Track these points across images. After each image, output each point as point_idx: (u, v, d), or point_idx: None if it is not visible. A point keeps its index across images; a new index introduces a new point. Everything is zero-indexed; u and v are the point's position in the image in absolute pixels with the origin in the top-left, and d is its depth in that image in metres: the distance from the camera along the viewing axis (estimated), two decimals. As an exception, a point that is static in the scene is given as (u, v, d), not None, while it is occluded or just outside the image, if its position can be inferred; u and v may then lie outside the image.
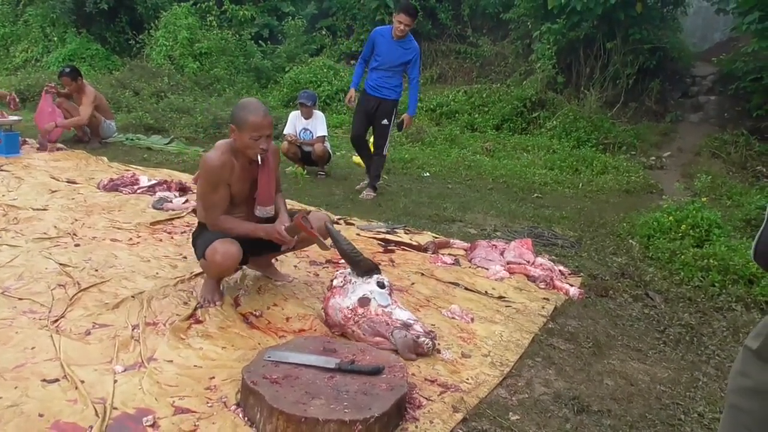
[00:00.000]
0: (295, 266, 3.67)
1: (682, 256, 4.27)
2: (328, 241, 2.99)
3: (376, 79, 5.61)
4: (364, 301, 2.73)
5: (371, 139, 6.03)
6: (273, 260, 3.46)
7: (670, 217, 4.81)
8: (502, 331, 3.03)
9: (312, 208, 5.07)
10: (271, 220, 3.02)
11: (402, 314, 2.73)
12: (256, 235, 2.93)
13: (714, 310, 3.64)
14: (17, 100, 6.51)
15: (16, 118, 6.29)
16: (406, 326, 2.67)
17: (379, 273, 2.90)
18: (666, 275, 4.15)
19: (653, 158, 8.91)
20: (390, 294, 2.83)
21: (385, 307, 2.73)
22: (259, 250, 3.11)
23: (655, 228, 4.84)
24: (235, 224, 2.92)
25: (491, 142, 9.36)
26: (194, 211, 3.21)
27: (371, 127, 5.87)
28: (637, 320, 3.43)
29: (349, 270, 2.94)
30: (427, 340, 2.68)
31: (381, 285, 2.81)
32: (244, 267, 3.29)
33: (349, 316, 2.73)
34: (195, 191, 3.35)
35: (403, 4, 5.61)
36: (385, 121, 5.66)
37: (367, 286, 2.79)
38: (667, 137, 9.63)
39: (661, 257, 4.42)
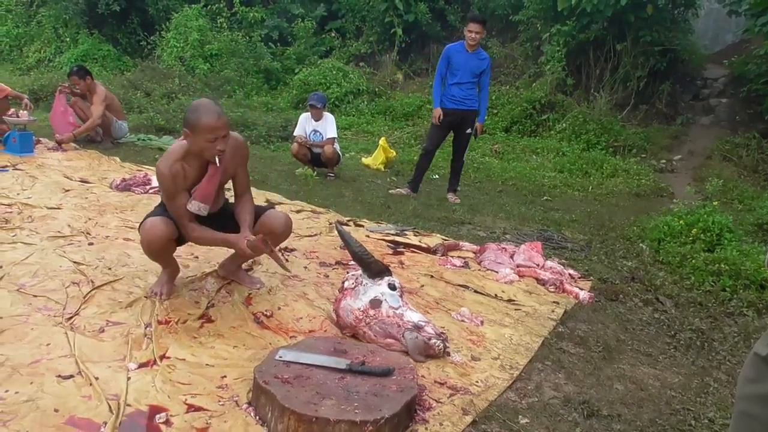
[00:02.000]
0: (305, 267, 3.69)
1: (693, 261, 4.26)
2: (289, 264, 2.99)
3: (459, 93, 5.82)
4: (375, 303, 2.75)
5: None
6: (244, 265, 3.38)
7: (681, 221, 4.80)
8: (511, 335, 3.04)
9: (321, 209, 5.09)
10: (219, 214, 2.98)
11: (413, 316, 2.75)
12: (222, 245, 2.94)
13: (725, 315, 3.63)
14: (31, 106, 6.57)
15: (31, 118, 6.35)
16: (418, 328, 2.68)
17: (390, 275, 2.91)
18: (676, 280, 4.14)
19: (664, 161, 8.87)
20: (401, 296, 2.84)
21: (396, 308, 2.75)
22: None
23: (665, 232, 4.82)
24: (202, 233, 2.86)
25: (500, 144, 9.36)
26: None
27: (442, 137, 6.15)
28: (647, 325, 3.42)
29: (359, 272, 2.95)
30: (439, 341, 2.69)
31: (392, 287, 2.82)
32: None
33: (361, 317, 2.75)
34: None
35: (472, 14, 6.32)
36: (468, 131, 5.96)
37: (378, 288, 2.81)
38: (677, 140, 9.59)
39: (672, 261, 4.41)
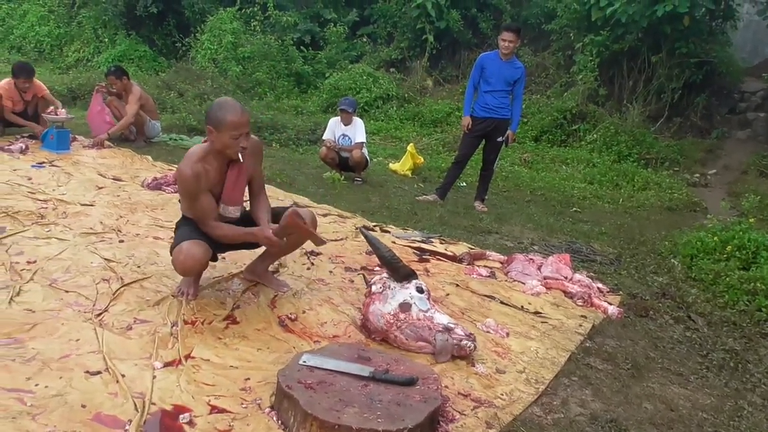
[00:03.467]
0: (330, 272, 3.68)
1: (727, 279, 4.15)
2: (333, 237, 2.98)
3: (491, 101, 5.80)
4: (405, 307, 2.77)
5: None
6: (270, 268, 3.40)
7: (715, 237, 4.68)
8: (537, 348, 2.99)
9: (348, 214, 5.10)
10: (239, 221, 2.98)
11: (442, 318, 2.79)
12: (246, 240, 2.93)
13: (760, 336, 3.52)
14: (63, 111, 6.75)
15: (68, 115, 6.49)
16: (448, 330, 2.73)
17: (416, 278, 2.93)
18: (709, 297, 4.04)
19: (697, 175, 8.69)
20: (428, 298, 2.87)
21: (426, 311, 2.78)
22: (235, 247, 3.12)
23: (698, 248, 4.71)
24: (226, 230, 2.89)
25: (530, 153, 9.27)
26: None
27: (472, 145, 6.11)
28: (678, 343, 3.34)
29: (385, 275, 2.96)
30: (469, 342, 2.73)
31: (420, 290, 2.85)
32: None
33: (392, 321, 2.76)
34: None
35: (506, 23, 6.33)
36: (500, 139, 5.93)
37: (407, 292, 2.83)
38: (712, 154, 9.39)
39: (705, 278, 4.30)
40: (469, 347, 2.72)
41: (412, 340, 2.75)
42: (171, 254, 2.88)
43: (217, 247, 2.97)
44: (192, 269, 2.88)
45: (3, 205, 4.13)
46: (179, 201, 3.12)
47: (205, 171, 2.80)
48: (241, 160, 2.85)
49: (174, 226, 3.13)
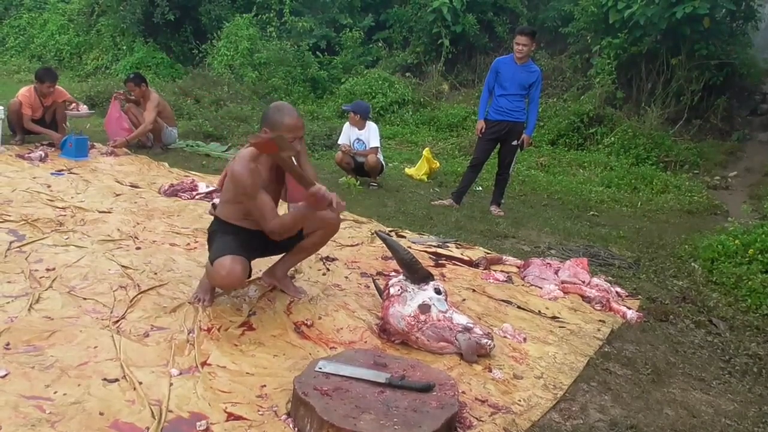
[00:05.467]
0: (346, 277, 3.68)
1: (750, 282, 4.07)
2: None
3: (506, 104, 5.78)
4: (424, 308, 2.80)
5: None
6: (288, 274, 3.39)
7: (737, 241, 4.61)
8: (555, 353, 2.96)
9: (364, 219, 5.09)
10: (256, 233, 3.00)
11: (461, 318, 2.86)
12: (304, 215, 2.94)
13: (784, 341, 3.45)
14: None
15: (90, 111, 6.60)
16: (467, 329, 2.79)
17: (434, 279, 2.97)
18: (731, 301, 3.97)
19: (718, 178, 8.56)
20: (446, 299, 2.90)
21: (445, 312, 2.83)
22: (270, 252, 3.19)
23: (719, 251, 4.63)
24: (285, 219, 2.93)
25: (546, 157, 9.20)
26: (214, 206, 3.20)
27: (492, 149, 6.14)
28: (699, 348, 3.29)
29: (401, 277, 2.98)
30: (489, 341, 2.80)
31: (438, 291, 2.89)
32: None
33: (413, 323, 2.79)
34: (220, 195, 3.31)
35: (520, 27, 6.31)
36: (515, 143, 5.90)
37: (425, 293, 2.86)
38: (733, 156, 9.24)
39: (726, 282, 4.23)
40: (489, 345, 2.79)
41: (434, 341, 2.78)
42: (210, 263, 2.89)
43: (252, 254, 3.00)
44: (231, 286, 2.95)
45: (23, 212, 4.19)
46: (213, 206, 3.13)
47: (258, 170, 2.86)
48: (294, 162, 2.88)
49: (208, 233, 3.14)
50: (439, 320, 2.79)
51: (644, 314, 3.60)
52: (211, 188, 5.38)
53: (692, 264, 4.71)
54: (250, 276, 3.04)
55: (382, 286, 3.18)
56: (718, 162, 9.03)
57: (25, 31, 16.52)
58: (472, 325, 2.81)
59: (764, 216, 6.47)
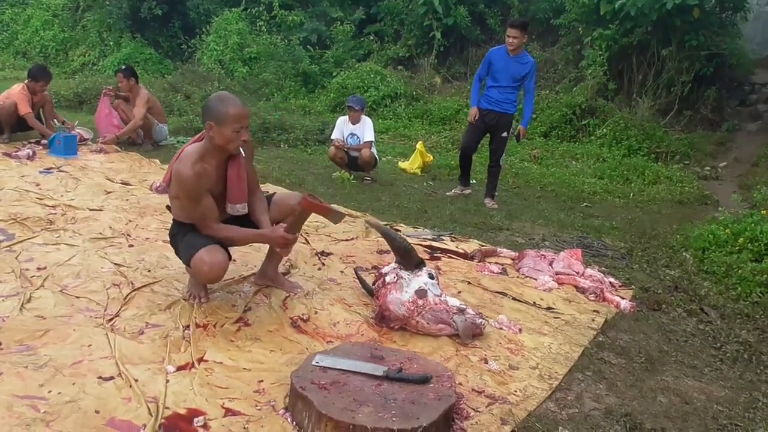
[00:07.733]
0: (342, 272, 3.68)
1: (740, 271, 4.10)
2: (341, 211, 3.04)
3: (497, 96, 5.82)
4: (421, 293, 2.88)
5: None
6: (281, 269, 3.36)
7: (727, 230, 4.64)
8: (550, 343, 2.98)
9: (358, 213, 5.09)
10: (243, 219, 2.94)
11: (454, 301, 3.00)
12: (256, 242, 2.87)
13: (775, 328, 3.48)
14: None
15: (88, 134, 6.72)
16: (461, 311, 2.91)
17: (425, 265, 3.07)
18: (722, 290, 4.00)
19: (708, 168, 8.61)
20: (438, 283, 3.02)
21: (440, 296, 2.94)
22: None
23: (710, 241, 4.67)
24: (232, 233, 2.83)
25: (539, 149, 9.22)
26: (168, 207, 3.03)
27: (478, 140, 6.21)
28: (691, 336, 3.31)
29: (393, 265, 3.05)
30: (482, 320, 2.94)
31: (431, 276, 3.01)
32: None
33: (413, 308, 2.86)
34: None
35: (512, 20, 6.43)
36: (504, 134, 5.94)
37: (420, 279, 2.96)
38: (723, 147, 9.31)
39: (717, 271, 4.26)
40: (483, 324, 2.92)
41: (433, 323, 2.87)
42: (188, 265, 2.83)
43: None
44: (218, 277, 2.82)
45: (12, 211, 4.15)
46: (167, 207, 3.01)
47: (204, 170, 2.73)
48: (243, 154, 2.82)
49: (170, 236, 3.03)
50: (436, 304, 2.88)
51: (637, 304, 3.63)
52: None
53: (684, 254, 4.74)
54: (230, 258, 2.93)
55: (363, 276, 3.30)
56: (709, 152, 9.09)
57: (8, 27, 16.30)
58: (464, 307, 2.96)
59: (754, 205, 6.50)
